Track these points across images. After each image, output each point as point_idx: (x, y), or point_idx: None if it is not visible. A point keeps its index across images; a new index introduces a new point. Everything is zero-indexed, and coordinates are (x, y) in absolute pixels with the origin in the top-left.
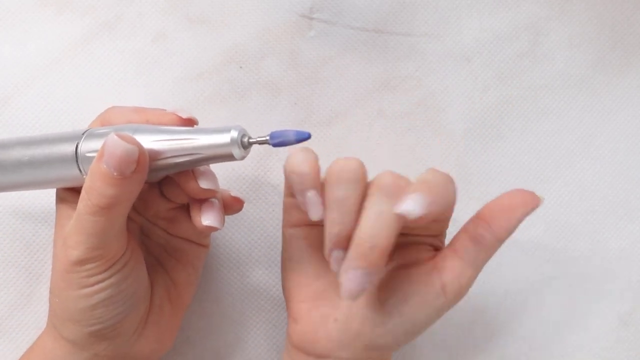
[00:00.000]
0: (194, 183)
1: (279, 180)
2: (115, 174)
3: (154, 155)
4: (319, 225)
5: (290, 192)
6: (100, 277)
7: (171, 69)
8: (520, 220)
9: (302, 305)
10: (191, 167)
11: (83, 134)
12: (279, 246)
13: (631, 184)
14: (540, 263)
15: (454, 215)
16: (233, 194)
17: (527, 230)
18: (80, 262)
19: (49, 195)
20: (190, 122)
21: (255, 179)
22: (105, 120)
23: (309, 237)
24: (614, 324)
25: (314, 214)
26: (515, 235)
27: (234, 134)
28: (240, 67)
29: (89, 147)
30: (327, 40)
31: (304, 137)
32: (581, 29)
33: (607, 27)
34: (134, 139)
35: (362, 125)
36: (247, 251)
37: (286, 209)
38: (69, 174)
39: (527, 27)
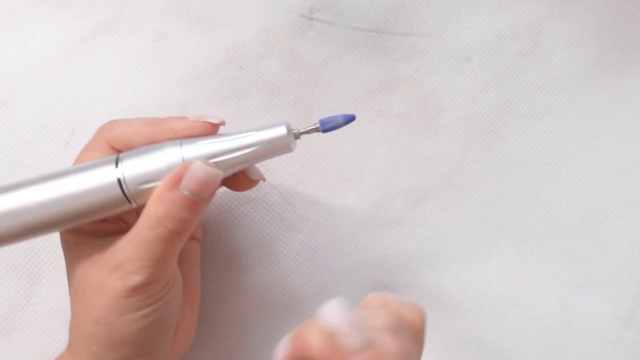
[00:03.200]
0: (245, 179)
1: (279, 180)
2: (195, 198)
3: None
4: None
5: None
6: (157, 296)
7: (171, 69)
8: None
9: None
10: (243, 168)
11: (116, 164)
12: (279, 246)
13: (631, 184)
14: (539, 263)
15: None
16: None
17: (527, 230)
18: (143, 286)
19: None
20: (219, 126)
21: None
22: (114, 140)
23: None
24: (614, 324)
25: None
26: (515, 235)
27: (286, 129)
28: (240, 67)
29: (133, 175)
30: (327, 40)
31: (350, 119)
32: (581, 29)
33: (607, 27)
34: (213, 164)
35: (362, 126)
36: (247, 251)
37: None
38: (108, 206)
39: (527, 27)
